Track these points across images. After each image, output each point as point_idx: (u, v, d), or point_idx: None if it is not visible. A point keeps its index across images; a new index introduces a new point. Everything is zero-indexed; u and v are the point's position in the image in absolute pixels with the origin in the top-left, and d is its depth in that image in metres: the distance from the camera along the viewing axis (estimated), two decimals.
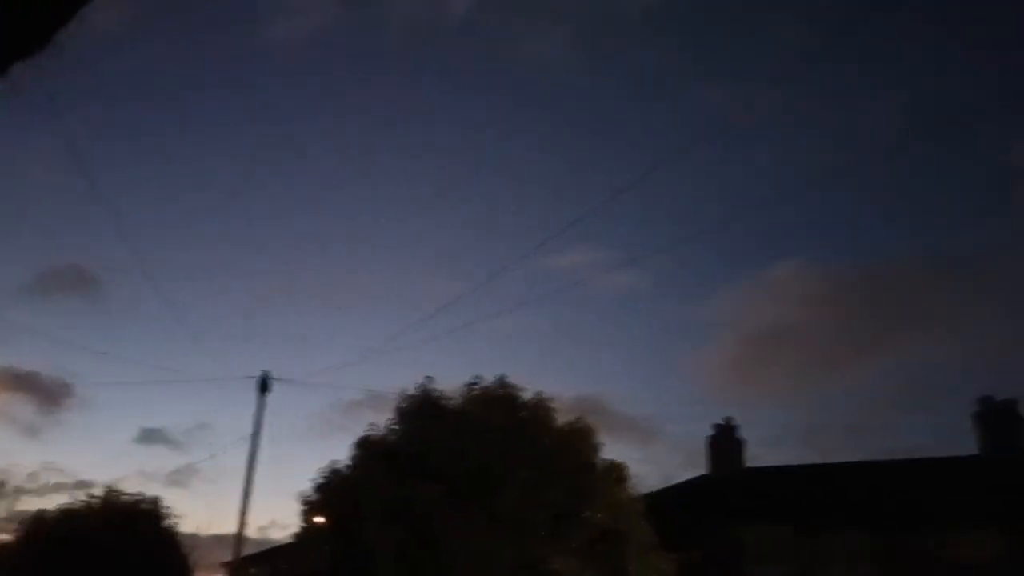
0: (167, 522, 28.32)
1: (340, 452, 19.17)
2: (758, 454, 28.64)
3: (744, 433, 28.52)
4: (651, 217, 52.52)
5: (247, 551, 29.17)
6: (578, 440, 17.74)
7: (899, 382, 45.39)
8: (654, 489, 19.92)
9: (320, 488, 18.70)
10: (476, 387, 18.76)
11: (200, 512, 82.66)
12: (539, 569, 15.79)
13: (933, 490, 23.08)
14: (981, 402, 24.97)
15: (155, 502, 28.46)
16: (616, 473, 18.12)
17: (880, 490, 23.76)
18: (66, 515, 26.97)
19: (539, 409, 18.08)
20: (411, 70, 53.19)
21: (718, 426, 28.58)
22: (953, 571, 21.33)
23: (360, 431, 19.11)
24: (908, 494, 23.17)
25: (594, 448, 17.95)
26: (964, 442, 26.30)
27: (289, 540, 21.55)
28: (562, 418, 18.20)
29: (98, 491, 28.10)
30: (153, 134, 57.96)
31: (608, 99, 54.34)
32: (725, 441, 28.30)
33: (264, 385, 26.40)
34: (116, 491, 28.19)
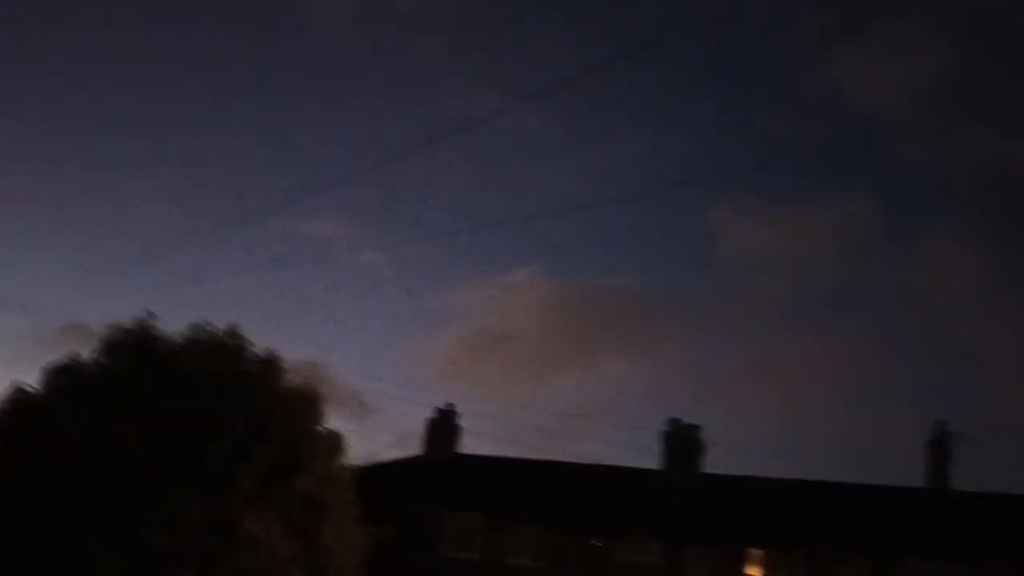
0: None
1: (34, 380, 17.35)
2: (472, 445, 29.71)
3: (462, 423, 29.44)
4: (405, 204, 53.48)
5: None
6: (301, 405, 17.46)
7: (597, 394, 50.20)
8: (361, 463, 20.13)
9: (5, 414, 16.91)
10: (203, 331, 17.81)
11: None
12: (236, 528, 15.37)
13: (611, 497, 25.27)
14: (670, 423, 27.36)
15: None
16: (332, 443, 18.06)
17: (566, 492, 25.58)
18: None
19: (267, 366, 17.57)
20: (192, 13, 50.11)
21: (439, 411, 29.15)
22: (619, 572, 23.60)
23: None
24: (590, 498, 25.18)
25: (316, 415, 17.76)
26: (642, 456, 29.27)
27: None
28: (290, 380, 17.85)
29: None
30: None
31: (377, 82, 54.92)
32: (443, 426, 28.97)
33: None
34: None
